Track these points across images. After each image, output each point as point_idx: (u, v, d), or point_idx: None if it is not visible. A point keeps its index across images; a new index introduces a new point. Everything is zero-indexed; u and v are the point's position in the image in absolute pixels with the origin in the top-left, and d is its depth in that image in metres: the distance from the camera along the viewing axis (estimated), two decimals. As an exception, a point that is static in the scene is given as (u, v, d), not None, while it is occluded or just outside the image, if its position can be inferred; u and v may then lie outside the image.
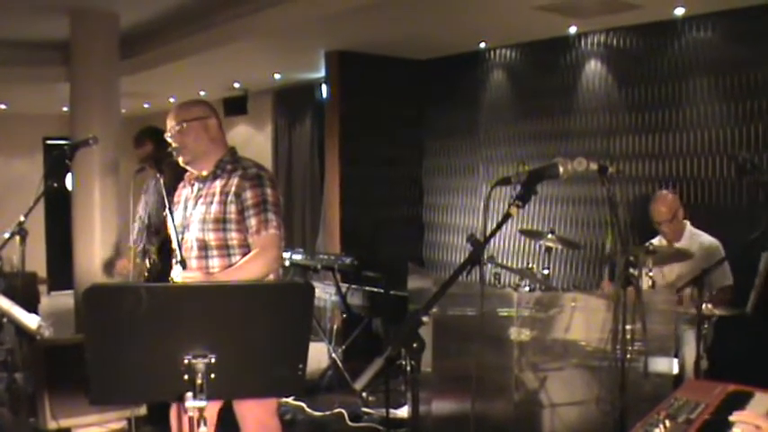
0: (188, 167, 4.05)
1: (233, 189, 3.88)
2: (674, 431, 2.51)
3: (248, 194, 3.86)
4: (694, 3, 6.53)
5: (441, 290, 2.59)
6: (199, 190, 4.01)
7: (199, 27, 8.53)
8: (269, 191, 3.90)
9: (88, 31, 8.43)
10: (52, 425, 5.23)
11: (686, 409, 2.70)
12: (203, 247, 3.91)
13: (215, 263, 3.90)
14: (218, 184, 3.94)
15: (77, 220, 8.32)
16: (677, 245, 5.83)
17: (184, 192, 4.12)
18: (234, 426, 4.03)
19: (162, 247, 5.62)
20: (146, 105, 13.48)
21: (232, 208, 3.86)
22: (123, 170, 8.41)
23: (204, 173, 4.00)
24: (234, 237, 3.88)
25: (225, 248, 3.89)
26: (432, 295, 2.61)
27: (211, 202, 3.91)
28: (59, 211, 9.66)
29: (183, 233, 3.99)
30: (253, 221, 3.85)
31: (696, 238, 5.88)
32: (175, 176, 4.25)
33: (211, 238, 3.88)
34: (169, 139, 3.99)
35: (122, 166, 8.45)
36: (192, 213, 3.96)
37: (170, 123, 3.99)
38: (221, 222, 3.87)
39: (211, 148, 3.99)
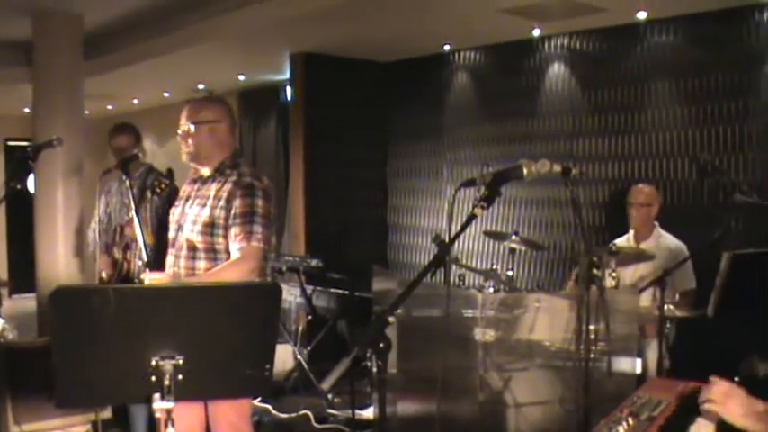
0: (191, 164, 4.06)
1: (225, 195, 3.88)
2: (636, 428, 2.54)
3: (237, 203, 3.85)
4: (657, 7, 6.61)
5: (407, 290, 2.61)
6: (198, 190, 4.02)
7: (163, 29, 8.48)
8: (260, 202, 3.88)
9: (51, 31, 8.35)
10: (15, 430, 5.17)
11: (649, 406, 2.74)
12: (192, 248, 3.92)
13: (201, 265, 3.91)
14: (213, 187, 3.95)
15: (40, 222, 8.24)
16: (643, 245, 5.90)
17: (187, 189, 4.13)
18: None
19: (127, 249, 5.60)
20: (109, 107, 13.39)
21: (222, 213, 3.86)
22: (87, 172, 8.34)
23: (206, 173, 4.01)
24: (221, 242, 3.88)
25: (212, 252, 3.89)
26: (397, 296, 2.62)
27: (204, 205, 3.92)
28: (21, 213, 9.55)
29: (177, 231, 4.00)
30: (237, 230, 3.83)
31: (663, 240, 5.95)
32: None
33: (199, 240, 3.89)
34: (179, 135, 3.99)
35: (86, 168, 8.38)
36: (188, 213, 3.97)
37: (182, 119, 4.01)
38: (210, 227, 3.87)
39: (216, 151, 3.99)
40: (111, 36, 9.29)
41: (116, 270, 5.57)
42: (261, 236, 3.85)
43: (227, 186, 3.90)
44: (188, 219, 3.96)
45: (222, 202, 3.87)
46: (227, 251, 3.89)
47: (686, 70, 6.71)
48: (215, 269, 3.86)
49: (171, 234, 4.10)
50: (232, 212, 3.85)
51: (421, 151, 9.21)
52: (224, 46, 8.51)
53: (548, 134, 7.78)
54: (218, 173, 3.99)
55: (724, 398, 2.39)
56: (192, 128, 3.95)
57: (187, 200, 4.07)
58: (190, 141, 3.97)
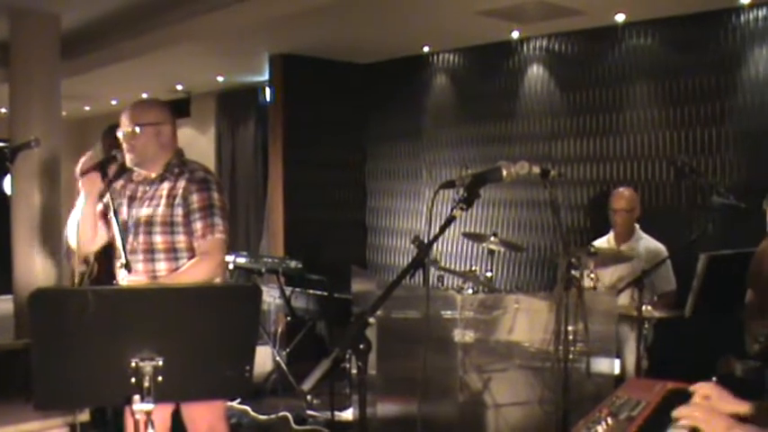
0: (135, 168, 4.01)
1: (180, 192, 3.86)
2: (615, 428, 2.55)
3: (194, 198, 3.84)
4: (634, 10, 6.65)
5: (387, 291, 2.61)
6: (144, 192, 3.97)
7: (141, 29, 8.45)
8: (215, 195, 3.89)
9: (28, 31, 8.29)
10: (-8, 432, 5.14)
11: (628, 406, 2.75)
12: (150, 250, 3.88)
13: (161, 266, 3.87)
14: (165, 186, 3.91)
15: (17, 223, 8.18)
16: (623, 247, 5.93)
17: (128, 192, 4.07)
18: (183, 429, 4.01)
19: (102, 251, 5.55)
20: (87, 108, 13.32)
21: (179, 211, 3.84)
22: (64, 173, 8.29)
23: (152, 175, 3.98)
24: (181, 240, 3.86)
25: (172, 252, 3.87)
26: (377, 297, 2.62)
27: (158, 205, 3.88)
28: (-3, 214, 9.46)
29: (126, 235, 3.95)
30: (198, 225, 3.83)
31: (643, 242, 5.98)
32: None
33: (159, 240, 3.86)
34: (120, 137, 3.94)
35: (64, 169, 8.33)
36: (139, 216, 3.93)
37: (123, 122, 3.94)
38: (168, 225, 3.85)
39: (161, 152, 3.95)
40: (88, 36, 9.24)
41: (88, 270, 5.52)
42: (222, 227, 3.87)
43: (181, 183, 3.89)
44: (141, 222, 3.91)
45: (179, 200, 3.86)
46: (188, 249, 3.88)
47: (664, 72, 6.75)
48: (185, 267, 3.83)
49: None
50: (190, 208, 3.85)
51: (400, 153, 9.22)
52: (202, 47, 8.48)
53: (527, 136, 7.81)
54: (168, 172, 3.95)
55: (707, 415, 2.39)
56: (138, 129, 3.89)
57: (133, 201, 4.02)
58: (134, 144, 3.91)
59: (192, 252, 3.87)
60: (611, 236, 6.15)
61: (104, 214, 3.98)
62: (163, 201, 3.88)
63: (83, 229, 3.94)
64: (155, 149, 3.93)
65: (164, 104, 4.17)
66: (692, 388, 2.57)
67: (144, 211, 3.91)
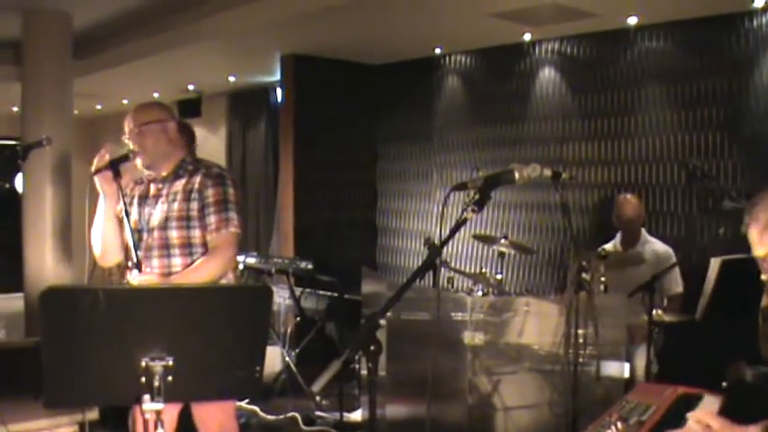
0: (147, 170, 4.02)
1: (195, 186, 3.87)
2: (625, 433, 2.55)
3: (210, 192, 3.86)
4: (647, 12, 6.63)
5: (398, 293, 2.60)
6: (159, 190, 3.98)
7: (153, 29, 8.48)
8: (230, 190, 3.91)
9: (41, 30, 8.32)
10: (0, 430, 5.15)
11: (637, 411, 2.74)
12: (165, 246, 3.88)
13: (177, 262, 3.88)
14: (180, 183, 3.92)
15: (28, 221, 8.20)
16: (631, 251, 5.91)
17: (139, 191, 4.07)
18: (192, 428, 4.01)
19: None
20: (98, 106, 13.35)
21: (194, 205, 3.86)
22: (76, 171, 8.32)
23: (164, 173, 3.98)
24: (196, 234, 3.87)
25: (187, 246, 3.87)
26: (388, 299, 2.62)
27: (174, 201, 3.88)
28: (8, 212, 9.50)
29: (140, 233, 3.96)
30: (212, 219, 3.84)
31: (650, 246, 5.95)
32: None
33: (174, 236, 3.86)
34: (126, 142, 3.95)
35: (75, 167, 8.36)
36: (152, 213, 3.94)
37: (128, 126, 3.94)
38: (185, 220, 3.86)
39: (170, 150, 3.96)
40: (100, 35, 9.27)
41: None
42: (236, 221, 3.90)
43: (197, 178, 3.90)
44: (154, 218, 3.92)
45: (194, 194, 3.87)
46: (203, 244, 3.89)
47: (676, 76, 6.73)
48: (196, 264, 3.84)
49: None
50: (205, 201, 3.86)
51: (411, 154, 9.22)
52: (214, 47, 8.49)
53: (538, 138, 7.79)
54: (181, 170, 3.96)
55: None
56: (144, 128, 3.90)
57: (144, 199, 4.02)
58: (144, 144, 3.90)
59: (206, 247, 3.88)
60: (617, 240, 6.12)
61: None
62: (179, 196, 3.89)
63: (107, 236, 3.96)
64: (164, 147, 3.94)
65: (163, 104, 4.20)
66: (692, 415, 2.55)
67: (159, 209, 3.92)
